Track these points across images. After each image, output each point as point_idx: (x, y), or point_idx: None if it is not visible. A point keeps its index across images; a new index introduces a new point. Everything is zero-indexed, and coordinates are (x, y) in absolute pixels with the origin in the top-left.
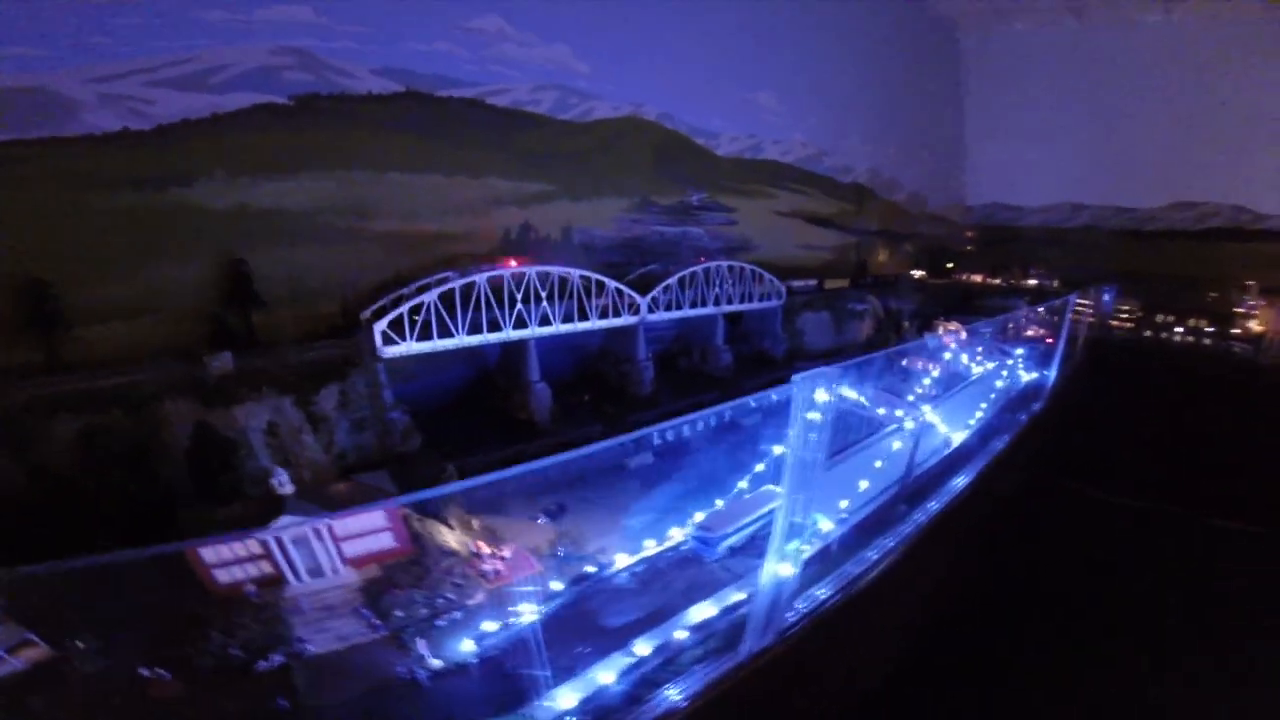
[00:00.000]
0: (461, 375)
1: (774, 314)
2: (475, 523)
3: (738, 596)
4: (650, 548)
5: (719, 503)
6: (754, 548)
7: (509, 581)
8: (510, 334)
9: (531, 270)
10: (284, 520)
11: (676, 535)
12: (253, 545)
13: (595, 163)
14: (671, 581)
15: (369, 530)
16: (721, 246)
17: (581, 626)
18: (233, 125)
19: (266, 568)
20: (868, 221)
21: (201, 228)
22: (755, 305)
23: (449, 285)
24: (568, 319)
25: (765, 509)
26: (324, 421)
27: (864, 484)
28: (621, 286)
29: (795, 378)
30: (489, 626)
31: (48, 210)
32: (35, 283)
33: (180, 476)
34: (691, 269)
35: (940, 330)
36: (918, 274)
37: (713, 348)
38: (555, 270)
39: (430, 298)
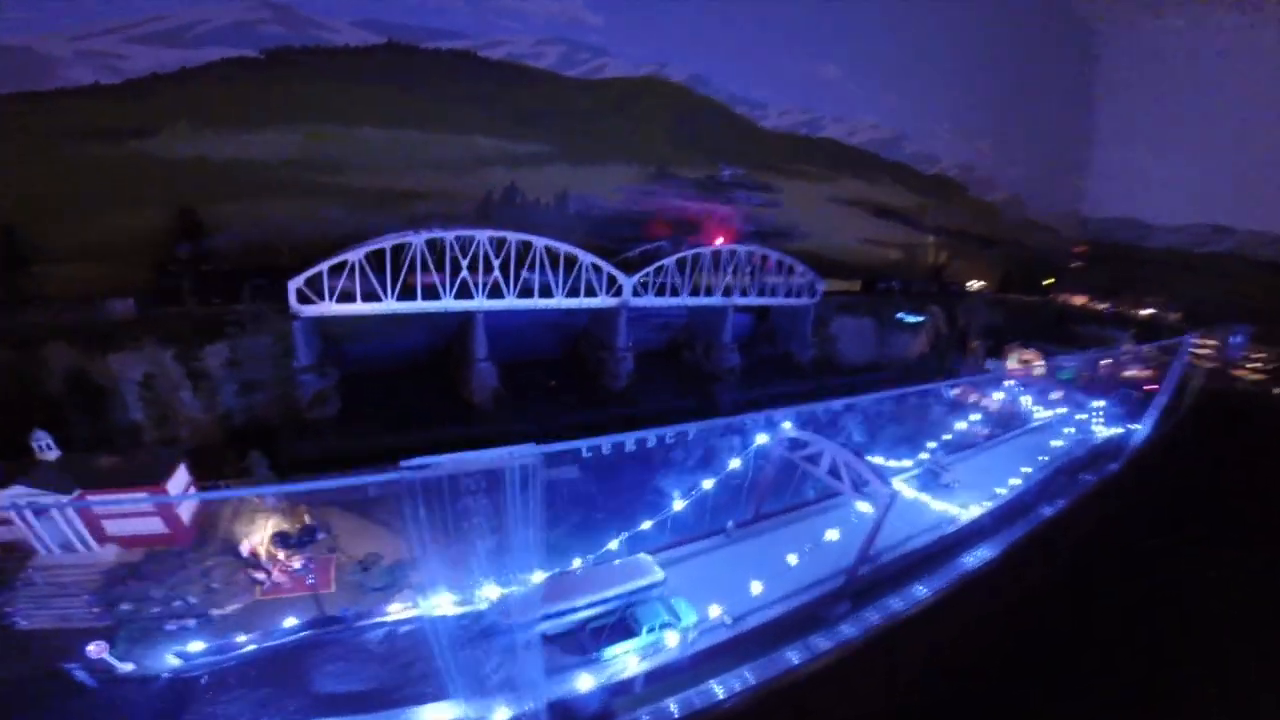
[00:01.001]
0: (425, 342)
1: (804, 314)
2: (307, 518)
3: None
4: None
5: (577, 562)
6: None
7: (281, 595)
8: (450, 304)
9: (481, 234)
10: (14, 490)
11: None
12: None
13: (602, 125)
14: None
15: (136, 512)
16: (756, 230)
17: (293, 677)
18: (199, 79)
19: (14, 534)
20: (950, 221)
21: (160, 178)
22: (774, 301)
23: (376, 244)
24: (526, 293)
25: (619, 589)
26: (205, 379)
27: (792, 559)
28: (600, 262)
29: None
30: (196, 646)
31: (19, 159)
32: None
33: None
34: (697, 250)
35: (1013, 358)
36: (999, 288)
37: (718, 345)
38: (513, 236)
39: (354, 256)
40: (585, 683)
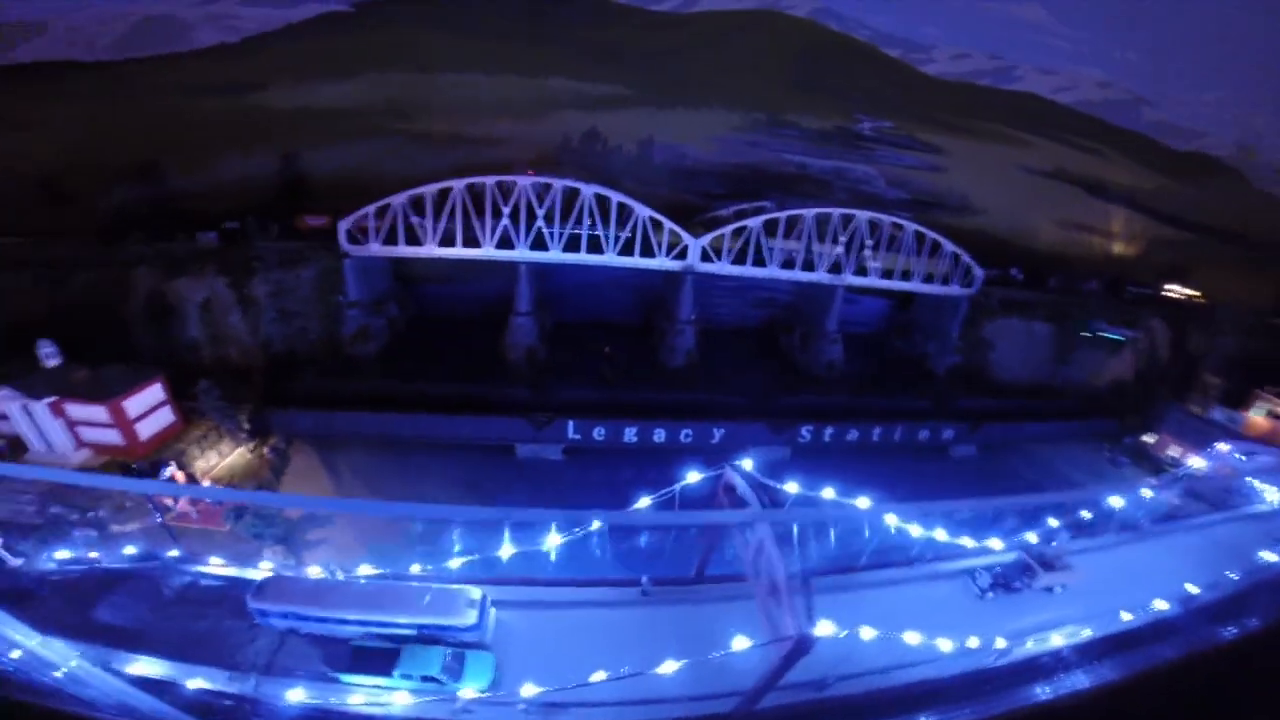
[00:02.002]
0: (498, 290)
1: (951, 307)
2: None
3: None
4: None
5: (415, 568)
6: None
7: (186, 525)
8: (490, 253)
9: (524, 181)
10: (3, 391)
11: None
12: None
13: (695, 64)
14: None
15: (100, 422)
16: (909, 198)
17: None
18: (299, 34)
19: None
20: (1205, 214)
21: (268, 127)
22: (903, 285)
23: (418, 191)
24: (575, 246)
25: (398, 617)
26: (253, 305)
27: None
28: (659, 218)
29: None
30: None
31: (164, 113)
32: (149, 164)
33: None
34: (797, 212)
35: (1260, 409)
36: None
37: (817, 332)
38: (558, 183)
39: (398, 200)
40: (296, 695)
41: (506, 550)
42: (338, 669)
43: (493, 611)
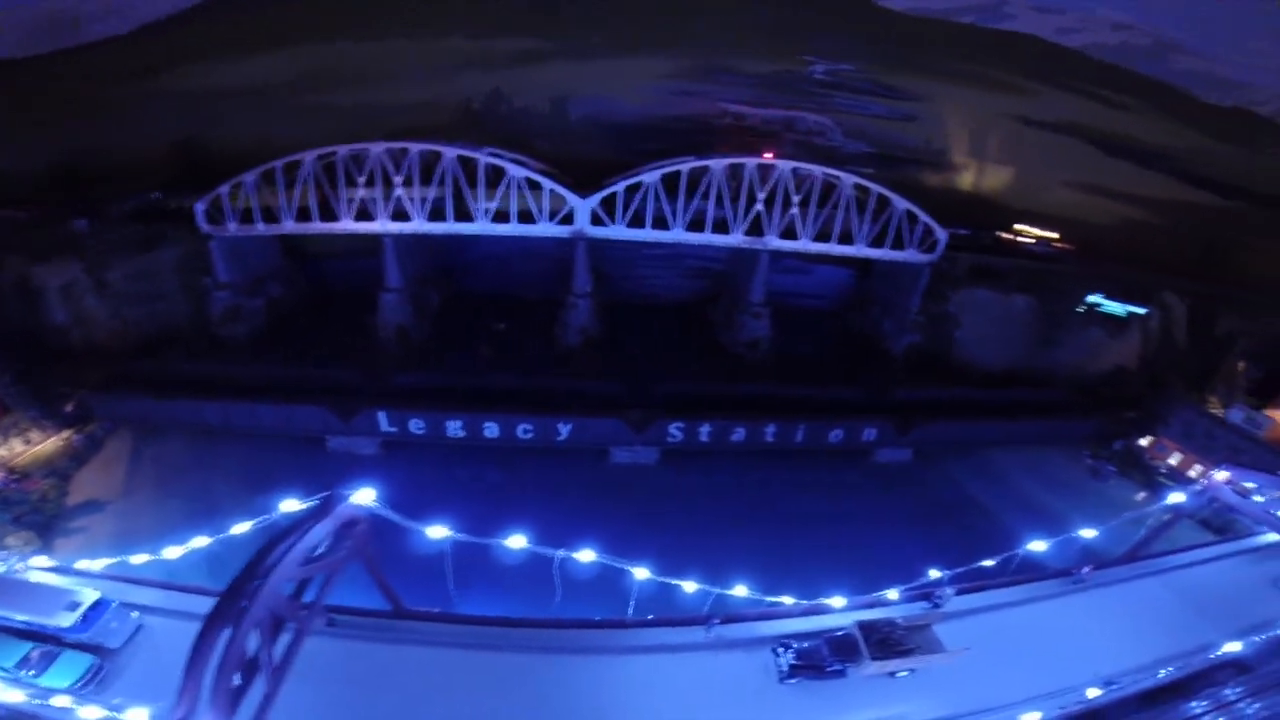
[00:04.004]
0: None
1: (909, 277)
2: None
3: None
4: None
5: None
6: None
7: None
8: (349, 225)
9: (376, 148)
10: None
11: None
12: None
13: (619, 7)
14: None
15: None
16: (878, 152)
17: None
18: (194, 17)
19: None
20: (1250, 179)
21: (171, 108)
22: (845, 250)
23: (267, 166)
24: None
25: None
26: (108, 289)
27: None
28: (538, 178)
29: None
30: None
31: (66, 105)
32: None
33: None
34: (698, 162)
35: None
36: None
37: (741, 304)
38: (415, 147)
39: (249, 177)
40: None
41: (173, 551)
42: None
43: (135, 615)
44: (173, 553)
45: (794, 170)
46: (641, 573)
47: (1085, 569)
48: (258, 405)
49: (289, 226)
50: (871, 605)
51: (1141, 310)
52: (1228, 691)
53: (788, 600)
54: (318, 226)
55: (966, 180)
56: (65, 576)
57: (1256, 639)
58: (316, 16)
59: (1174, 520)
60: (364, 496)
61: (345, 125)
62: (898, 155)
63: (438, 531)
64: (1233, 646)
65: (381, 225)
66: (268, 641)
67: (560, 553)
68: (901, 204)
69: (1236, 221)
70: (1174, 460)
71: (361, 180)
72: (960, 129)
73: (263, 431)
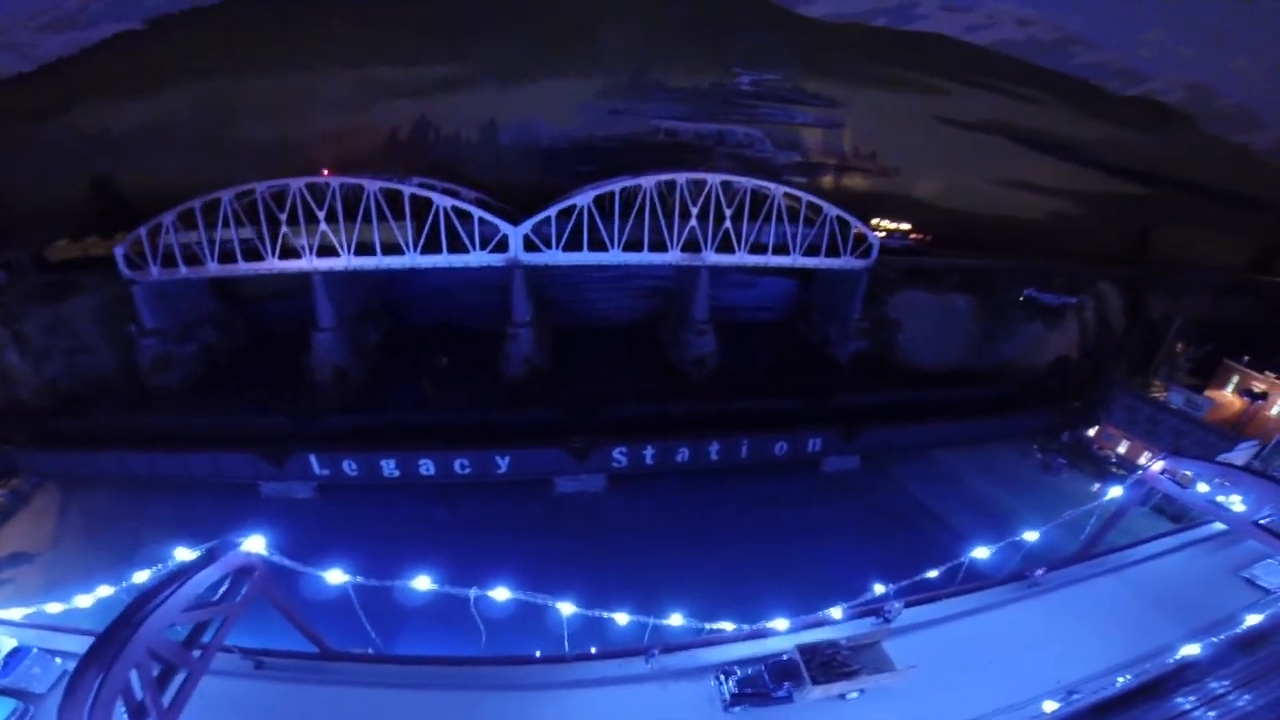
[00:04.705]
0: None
1: (848, 284)
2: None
3: None
4: None
5: None
6: None
7: None
8: (274, 264)
9: (295, 183)
10: None
11: None
12: None
13: (545, 29)
14: None
15: None
16: (806, 161)
17: None
18: (95, 56)
19: None
20: (1162, 163)
21: (77, 151)
22: (772, 261)
23: (185, 206)
24: (365, 249)
25: None
26: (27, 342)
27: None
28: (467, 207)
29: None
30: None
31: None
32: None
33: None
34: (628, 182)
35: (1231, 385)
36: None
37: (687, 322)
38: (335, 182)
39: (168, 218)
40: None
41: (84, 600)
42: None
43: (59, 661)
44: (84, 601)
45: (724, 183)
46: (567, 607)
47: (1038, 571)
48: (186, 455)
49: (213, 269)
50: (817, 625)
51: (1075, 301)
52: (1202, 688)
53: (728, 626)
54: (243, 267)
55: (896, 183)
56: None
57: (1223, 633)
58: (225, 49)
59: (1120, 514)
60: (254, 544)
61: (266, 160)
62: (829, 163)
63: (335, 576)
64: (1198, 642)
65: (308, 263)
66: (152, 684)
67: (473, 591)
68: (832, 211)
69: (1160, 207)
70: (1122, 449)
71: (283, 217)
72: (885, 133)
73: (193, 481)
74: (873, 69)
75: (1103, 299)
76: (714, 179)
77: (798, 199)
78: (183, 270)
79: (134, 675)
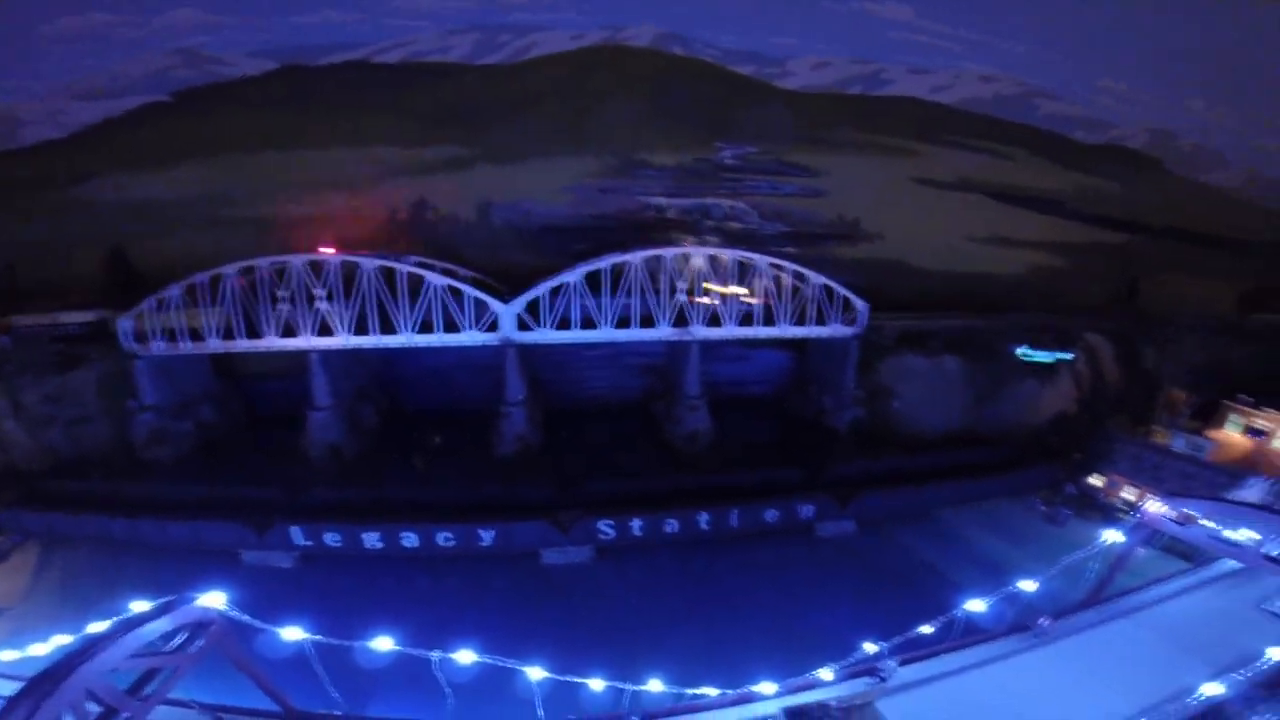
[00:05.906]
0: None
1: (839, 352)
2: None
3: None
4: None
5: None
6: None
7: None
8: (274, 342)
9: (296, 260)
10: None
11: None
12: None
13: (536, 114)
14: None
15: None
16: (792, 230)
17: None
18: (121, 126)
19: None
20: (1138, 210)
21: (94, 219)
22: (760, 333)
23: (191, 280)
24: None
25: None
26: (24, 411)
27: None
28: (460, 286)
29: None
30: None
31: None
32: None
33: None
34: (618, 258)
35: (1233, 423)
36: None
37: (678, 397)
38: (334, 259)
39: (173, 292)
40: None
41: (39, 648)
42: None
43: None
44: (39, 649)
45: (709, 257)
46: (536, 672)
47: (1043, 620)
48: (166, 521)
49: (214, 345)
50: (806, 687)
51: (1068, 356)
52: None
53: (712, 691)
54: (243, 344)
55: (879, 247)
56: None
57: (1250, 669)
58: (241, 127)
59: (1124, 558)
60: (213, 599)
61: (272, 238)
62: (815, 232)
63: (292, 633)
64: (1223, 681)
65: (306, 341)
66: None
67: (436, 654)
68: (818, 279)
69: (1143, 254)
70: (1129, 494)
71: (284, 295)
72: (866, 199)
73: (172, 546)
74: (847, 135)
75: (1094, 351)
76: (699, 253)
77: (783, 269)
78: (185, 346)
79: (68, 716)
